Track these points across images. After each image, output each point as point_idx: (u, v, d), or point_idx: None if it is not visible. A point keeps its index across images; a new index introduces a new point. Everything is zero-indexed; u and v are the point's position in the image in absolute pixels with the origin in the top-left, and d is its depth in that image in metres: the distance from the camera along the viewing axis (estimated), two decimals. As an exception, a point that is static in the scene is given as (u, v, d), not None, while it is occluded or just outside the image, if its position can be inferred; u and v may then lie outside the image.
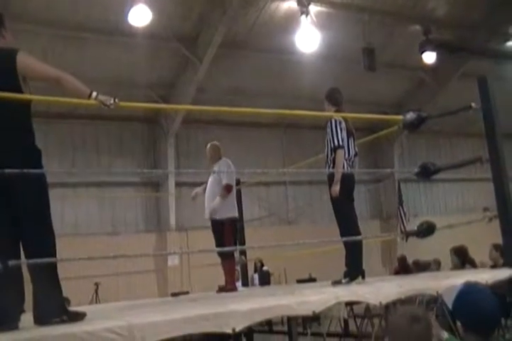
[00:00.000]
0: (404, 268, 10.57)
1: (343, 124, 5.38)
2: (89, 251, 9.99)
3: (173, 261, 13.05)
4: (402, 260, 11.04)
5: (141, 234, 13.82)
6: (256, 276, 11.31)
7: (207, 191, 6.52)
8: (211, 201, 6.37)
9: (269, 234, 12.93)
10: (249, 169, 11.88)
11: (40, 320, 3.30)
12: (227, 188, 6.31)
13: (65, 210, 12.26)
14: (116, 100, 3.63)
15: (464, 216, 12.82)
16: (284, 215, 15.92)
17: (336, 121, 5.35)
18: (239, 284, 7.73)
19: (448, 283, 4.30)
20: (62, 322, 3.27)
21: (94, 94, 3.57)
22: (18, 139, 3.44)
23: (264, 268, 11.81)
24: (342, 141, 5.30)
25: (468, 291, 2.81)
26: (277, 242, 9.15)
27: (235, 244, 6.47)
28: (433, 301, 5.67)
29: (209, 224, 6.46)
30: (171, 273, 13.06)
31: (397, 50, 14.80)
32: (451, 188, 18.62)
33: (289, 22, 12.88)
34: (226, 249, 5.97)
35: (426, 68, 15.25)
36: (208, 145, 6.81)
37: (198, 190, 6.77)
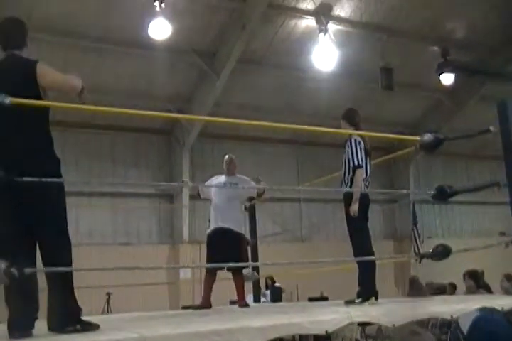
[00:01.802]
0: (416, 289, 10.41)
1: (362, 144, 5.40)
2: (102, 260, 10.03)
3: (185, 274, 13.02)
4: (414, 281, 10.86)
5: (154, 245, 13.82)
6: (267, 293, 11.21)
7: (222, 201, 6.47)
8: (230, 212, 6.34)
9: (282, 251, 12.88)
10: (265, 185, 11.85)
11: (54, 328, 3.31)
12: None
13: (79, 219, 12.30)
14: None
15: (479, 240, 12.73)
16: (297, 232, 15.84)
17: (355, 141, 5.37)
18: (251, 300, 7.69)
19: (462, 307, 4.25)
20: (76, 331, 3.27)
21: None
22: (37, 147, 3.48)
23: (277, 284, 11.72)
24: (361, 160, 5.31)
25: (485, 319, 2.76)
26: (290, 259, 9.12)
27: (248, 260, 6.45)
28: (446, 325, 5.60)
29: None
30: (182, 286, 13.02)
31: (414, 71, 14.79)
32: (467, 211, 18.43)
33: (307, 39, 12.94)
34: (240, 264, 5.94)
35: (443, 89, 15.23)
36: (231, 156, 6.77)
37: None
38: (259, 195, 6.57)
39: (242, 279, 6.39)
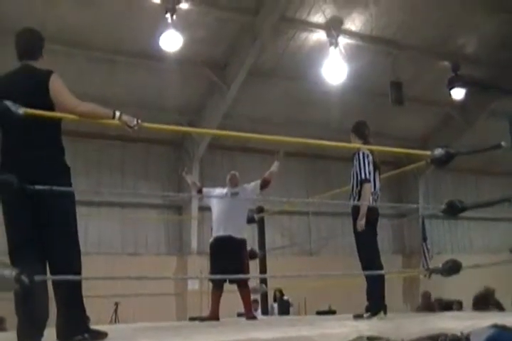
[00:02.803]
0: (427, 305, 10.34)
1: (371, 157, 5.38)
2: (110, 270, 10.01)
3: (193, 285, 12.99)
4: (426, 297, 10.79)
5: (162, 256, 13.81)
6: (275, 305, 11.17)
7: (223, 210, 6.49)
8: (231, 220, 6.34)
9: (290, 264, 12.82)
10: (274, 197, 11.88)
11: (63, 336, 3.31)
12: None
13: (88, 229, 12.31)
14: (139, 121, 3.68)
15: (489, 256, 12.63)
16: (306, 246, 15.78)
17: (363, 154, 5.35)
18: (259, 312, 7.66)
19: (473, 323, 4.20)
20: (84, 340, 3.27)
21: (118, 113, 3.62)
22: (48, 156, 3.50)
23: (285, 297, 11.67)
24: (369, 174, 5.29)
25: (498, 336, 2.73)
26: (298, 272, 9.09)
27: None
28: (456, 341, 5.54)
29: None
30: (190, 297, 12.98)
31: (425, 85, 14.81)
32: (477, 227, 18.31)
33: (317, 53, 13.00)
34: (246, 276, 5.92)
35: (453, 104, 15.22)
36: (234, 173, 6.93)
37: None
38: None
39: (249, 291, 6.36)
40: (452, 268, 4.88)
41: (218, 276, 6.13)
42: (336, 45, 12.66)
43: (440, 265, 5.07)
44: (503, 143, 4.90)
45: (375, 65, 13.58)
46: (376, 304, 5.04)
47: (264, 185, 6.58)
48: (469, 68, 13.79)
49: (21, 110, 3.24)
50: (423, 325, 4.29)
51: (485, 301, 7.60)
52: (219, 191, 6.85)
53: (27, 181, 3.21)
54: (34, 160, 3.44)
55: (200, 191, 6.95)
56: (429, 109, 16.02)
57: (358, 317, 4.93)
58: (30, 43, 3.76)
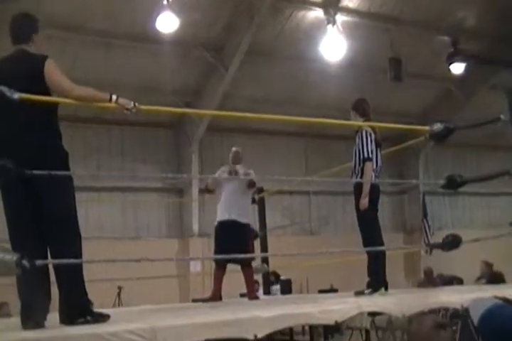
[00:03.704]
0: (430, 281, 10.42)
1: (373, 136, 5.38)
2: (112, 254, 10.05)
3: (195, 267, 13.06)
4: (429, 273, 10.86)
5: (163, 239, 13.86)
6: (276, 287, 11.18)
7: (228, 192, 6.47)
8: (235, 203, 6.34)
9: (291, 244, 12.86)
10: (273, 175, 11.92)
11: (65, 319, 3.35)
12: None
13: (89, 214, 12.34)
14: (137, 104, 3.67)
15: (490, 230, 12.66)
16: (306, 225, 15.84)
17: (366, 132, 5.36)
18: (260, 292, 7.71)
19: (473, 297, 4.23)
20: (87, 322, 3.31)
21: (114, 97, 3.62)
22: (45, 141, 3.50)
23: (286, 277, 11.67)
24: (371, 153, 5.30)
25: (497, 308, 2.72)
26: (299, 251, 9.11)
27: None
28: (456, 315, 5.58)
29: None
30: (192, 279, 13.06)
31: (424, 61, 14.70)
32: (477, 202, 18.35)
33: (315, 31, 12.88)
34: (249, 255, 5.95)
35: (453, 79, 15.12)
36: (237, 149, 6.81)
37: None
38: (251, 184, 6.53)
39: (252, 271, 6.40)
40: (452, 242, 4.89)
41: (220, 256, 6.16)
42: (334, 22, 12.53)
43: (441, 240, 5.10)
44: (502, 116, 4.88)
45: (373, 42, 13.46)
46: (377, 280, 5.07)
47: (251, 185, 6.51)
48: (469, 42, 13.68)
49: (16, 95, 3.24)
50: (424, 299, 4.33)
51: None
52: (223, 169, 6.81)
53: (24, 166, 3.22)
54: (31, 145, 3.44)
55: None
56: (429, 85, 15.91)
57: (359, 293, 4.96)
58: (23, 27, 3.75)
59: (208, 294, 6.40)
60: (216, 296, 6.22)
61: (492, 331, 2.60)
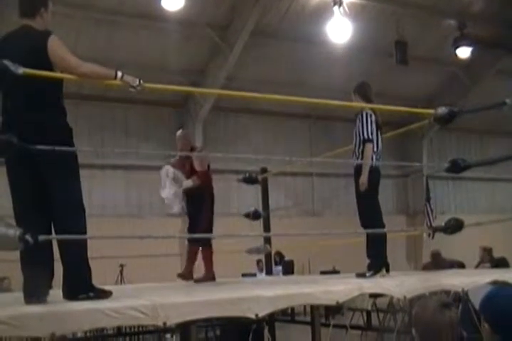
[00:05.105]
0: (438, 263, 10.37)
1: (374, 117, 5.35)
2: (115, 232, 10.06)
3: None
4: (437, 255, 10.79)
5: (166, 218, 13.87)
6: (278, 268, 11.24)
7: None
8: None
9: (294, 225, 12.89)
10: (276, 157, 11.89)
11: (68, 295, 3.38)
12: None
13: (92, 191, 12.36)
14: (141, 81, 3.65)
15: (492, 215, 12.67)
16: (309, 206, 15.88)
17: (367, 114, 5.33)
18: (263, 273, 7.72)
19: (474, 280, 4.25)
20: (89, 298, 3.33)
21: (120, 74, 3.60)
22: (50, 117, 3.49)
23: (288, 258, 11.75)
24: (371, 134, 5.27)
25: (498, 293, 2.73)
26: (302, 233, 9.17)
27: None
28: (457, 299, 5.61)
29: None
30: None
31: (430, 44, 14.58)
32: (480, 187, 18.34)
33: (321, 12, 12.75)
34: (253, 234, 5.95)
35: (459, 63, 15.02)
36: (185, 131, 6.62)
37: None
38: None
39: (210, 251, 6.13)
40: (455, 225, 4.90)
41: (233, 234, 6.14)
42: (340, 4, 12.39)
43: (443, 223, 5.11)
44: (507, 101, 4.85)
45: (379, 25, 13.34)
46: (378, 262, 5.07)
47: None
48: (475, 26, 13.55)
49: (20, 70, 3.22)
50: (425, 282, 4.34)
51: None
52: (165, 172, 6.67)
53: (28, 142, 3.22)
54: (35, 121, 3.43)
55: None
56: (435, 69, 15.81)
57: (360, 275, 4.97)
58: (29, 2, 3.70)
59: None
60: (188, 275, 5.95)
61: (494, 313, 2.60)
